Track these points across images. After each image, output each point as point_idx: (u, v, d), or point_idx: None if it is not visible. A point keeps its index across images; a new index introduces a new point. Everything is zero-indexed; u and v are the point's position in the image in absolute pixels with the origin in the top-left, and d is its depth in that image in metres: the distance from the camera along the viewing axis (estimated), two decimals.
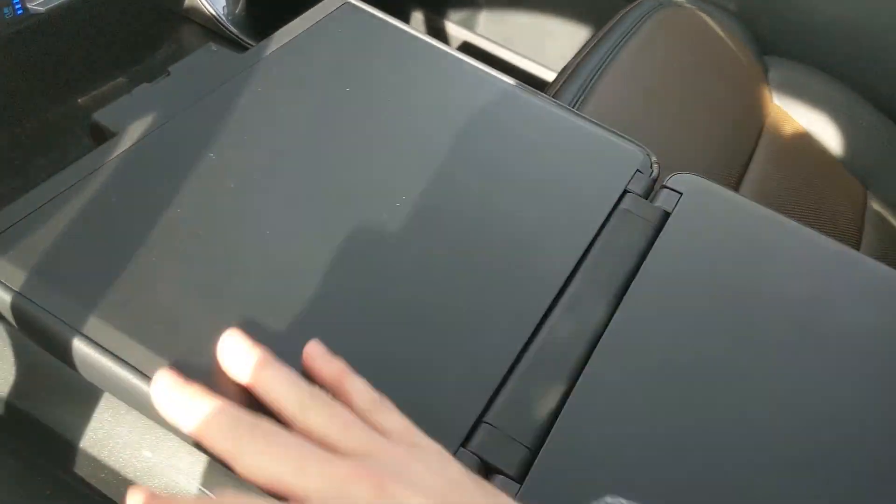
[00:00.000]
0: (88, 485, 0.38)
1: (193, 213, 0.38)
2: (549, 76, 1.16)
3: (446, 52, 0.52)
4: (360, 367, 0.35)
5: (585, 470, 0.34)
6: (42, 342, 0.35)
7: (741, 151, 0.80)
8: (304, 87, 0.47)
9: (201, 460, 0.35)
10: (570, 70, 0.77)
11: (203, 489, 0.36)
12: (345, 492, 0.26)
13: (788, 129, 0.87)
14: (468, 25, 1.21)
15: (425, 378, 0.35)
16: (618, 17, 0.87)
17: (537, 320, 0.39)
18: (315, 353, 0.33)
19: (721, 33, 0.90)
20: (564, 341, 0.38)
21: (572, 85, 0.75)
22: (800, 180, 0.83)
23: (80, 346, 0.33)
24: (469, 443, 0.34)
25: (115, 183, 0.38)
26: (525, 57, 1.18)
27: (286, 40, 0.49)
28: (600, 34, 0.84)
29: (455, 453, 0.33)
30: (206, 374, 0.32)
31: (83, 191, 0.38)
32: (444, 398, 0.35)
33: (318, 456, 0.27)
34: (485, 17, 1.20)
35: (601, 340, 0.39)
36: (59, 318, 0.33)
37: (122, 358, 0.33)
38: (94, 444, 0.37)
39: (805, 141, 0.88)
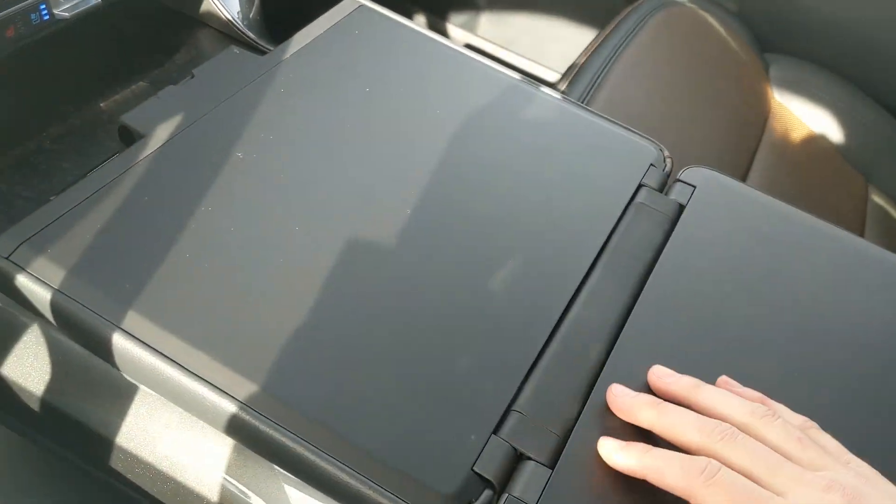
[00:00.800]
0: (123, 479, 0.38)
1: (224, 211, 0.39)
2: (549, 77, 1.17)
3: (461, 53, 0.53)
4: (392, 360, 0.36)
5: None
6: (81, 339, 0.36)
7: (745, 147, 0.81)
8: (326, 89, 0.47)
9: (238, 455, 0.36)
10: (576, 69, 0.79)
11: (227, 477, 0.36)
12: (821, 500, 0.29)
13: (790, 125, 0.88)
14: (469, 28, 1.22)
15: (455, 369, 0.36)
16: (621, 16, 0.88)
17: (560, 311, 0.40)
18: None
19: (722, 31, 0.91)
20: (588, 331, 0.39)
21: (579, 84, 0.76)
22: (803, 175, 0.84)
23: (119, 341, 0.34)
24: (500, 430, 0.35)
25: (146, 182, 0.39)
26: (526, 58, 1.20)
27: (305, 42, 0.50)
28: (604, 33, 0.85)
29: (487, 441, 0.34)
30: (246, 364, 0.33)
31: (116, 190, 0.38)
32: (474, 388, 0.36)
33: (788, 463, 0.31)
34: (485, 20, 1.21)
35: (623, 330, 0.40)
36: (99, 315, 0.34)
37: (161, 351, 0.33)
38: (129, 439, 0.37)
39: (807, 136, 0.89)
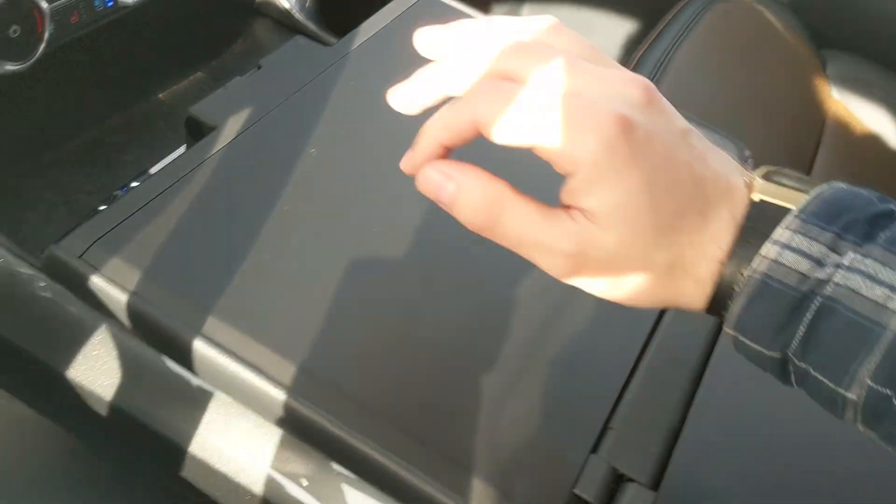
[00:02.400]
0: (195, 489, 0.37)
1: (301, 209, 0.37)
2: None
3: None
4: (486, 377, 0.34)
5: (719, 473, 0.33)
6: (156, 342, 0.34)
7: (807, 146, 0.78)
8: (394, 81, 0.45)
9: (317, 467, 0.34)
10: (633, 65, 0.76)
11: (305, 489, 0.34)
12: (620, 92, 0.25)
13: (850, 123, 0.85)
14: None
15: (549, 387, 0.34)
16: (674, 11, 0.86)
17: (653, 321, 0.38)
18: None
19: (779, 26, 0.88)
20: (682, 339, 0.37)
21: None
22: (864, 176, 0.82)
23: (198, 345, 0.32)
24: (598, 449, 0.33)
25: (219, 178, 0.37)
26: None
27: (371, 33, 0.48)
28: (658, 29, 0.82)
29: (586, 461, 0.32)
30: (326, 367, 0.31)
31: (188, 187, 0.36)
32: (569, 406, 0.34)
33: (587, 64, 0.26)
34: (527, 11, 1.19)
35: (718, 341, 0.37)
36: (177, 318, 0.32)
37: (242, 356, 0.32)
38: (204, 448, 0.35)
39: (867, 136, 0.86)
